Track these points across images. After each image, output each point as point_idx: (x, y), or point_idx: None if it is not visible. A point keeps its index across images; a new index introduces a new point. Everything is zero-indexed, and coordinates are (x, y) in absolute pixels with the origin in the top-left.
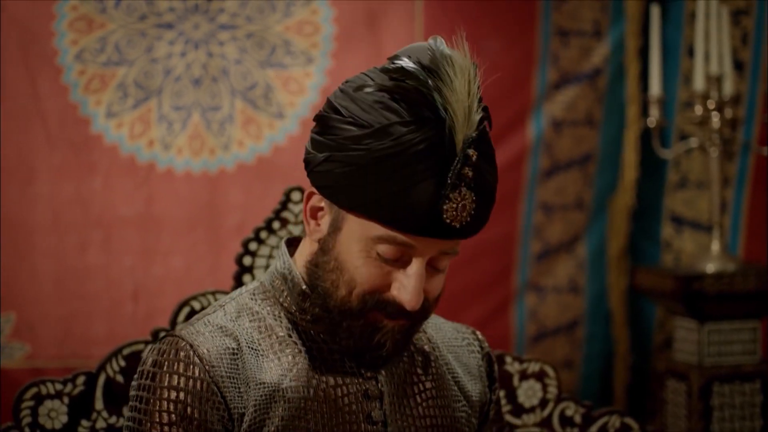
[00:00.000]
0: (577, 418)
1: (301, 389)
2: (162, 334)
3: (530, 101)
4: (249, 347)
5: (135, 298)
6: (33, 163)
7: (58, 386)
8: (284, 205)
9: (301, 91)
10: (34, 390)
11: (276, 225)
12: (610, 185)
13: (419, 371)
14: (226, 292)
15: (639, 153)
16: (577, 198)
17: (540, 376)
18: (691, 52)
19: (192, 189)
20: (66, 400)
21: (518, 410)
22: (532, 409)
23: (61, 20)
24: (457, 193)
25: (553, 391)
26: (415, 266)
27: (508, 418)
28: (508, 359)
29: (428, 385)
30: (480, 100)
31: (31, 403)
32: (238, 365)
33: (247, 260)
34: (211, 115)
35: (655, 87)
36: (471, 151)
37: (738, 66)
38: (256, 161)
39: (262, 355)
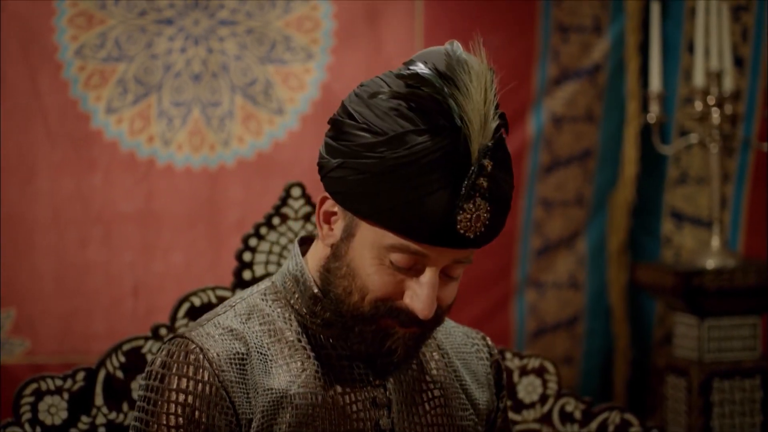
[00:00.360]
0: (577, 414)
1: (309, 396)
2: (171, 334)
3: (530, 97)
4: (258, 352)
5: (135, 294)
6: (33, 159)
7: (58, 382)
8: (284, 201)
9: (301, 87)
10: (34, 386)
11: (276, 221)
12: (610, 181)
13: (428, 378)
14: (227, 288)
15: (639, 149)
16: (577, 194)
17: (540, 372)
18: (691, 48)
19: (192, 185)
20: (66, 395)
21: (518, 406)
22: (532, 405)
23: (61, 16)
24: (472, 203)
25: (553, 386)
26: (429, 275)
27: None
28: (508, 355)
29: (436, 393)
30: (497, 107)
31: (31, 399)
32: (246, 370)
33: (247, 256)
34: (211, 111)
35: (655, 83)
36: (486, 162)
37: (738, 62)
38: (256, 157)
39: (270, 361)
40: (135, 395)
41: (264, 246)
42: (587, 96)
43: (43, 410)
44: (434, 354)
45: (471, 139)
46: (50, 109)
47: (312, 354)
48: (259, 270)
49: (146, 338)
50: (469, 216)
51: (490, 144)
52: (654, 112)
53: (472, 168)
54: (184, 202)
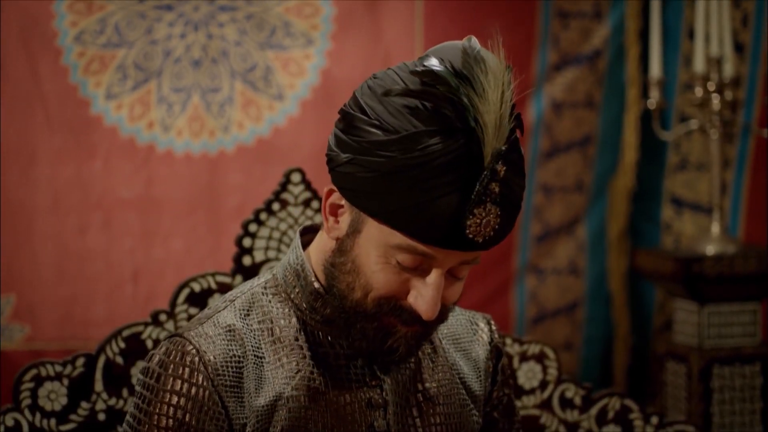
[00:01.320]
0: (577, 400)
1: (302, 398)
2: (171, 332)
3: (530, 83)
4: (254, 355)
5: (135, 280)
6: (33, 146)
7: (58, 368)
8: (284, 186)
9: (301, 73)
10: (33, 372)
11: (276, 206)
12: (610, 167)
13: (425, 378)
14: (226, 274)
15: (639, 135)
16: (577, 180)
17: (540, 358)
18: (691, 34)
19: (192, 171)
20: (66, 381)
21: (518, 392)
22: (532, 391)
23: (60, 2)
24: (482, 208)
25: (553, 372)
26: (434, 276)
27: None
28: (509, 341)
29: (433, 392)
30: (513, 107)
31: (30, 385)
32: (242, 374)
33: (246, 242)
34: (210, 96)
35: (656, 69)
36: (499, 166)
37: (738, 48)
38: (256, 143)
39: (266, 363)
40: (135, 381)
41: (264, 232)
42: (587, 82)
43: (43, 396)
44: (432, 352)
45: (485, 142)
46: (50, 95)
47: (308, 353)
48: (259, 256)
49: (146, 324)
50: (478, 221)
51: (504, 148)
52: (654, 98)
53: (485, 172)
54: (183, 188)
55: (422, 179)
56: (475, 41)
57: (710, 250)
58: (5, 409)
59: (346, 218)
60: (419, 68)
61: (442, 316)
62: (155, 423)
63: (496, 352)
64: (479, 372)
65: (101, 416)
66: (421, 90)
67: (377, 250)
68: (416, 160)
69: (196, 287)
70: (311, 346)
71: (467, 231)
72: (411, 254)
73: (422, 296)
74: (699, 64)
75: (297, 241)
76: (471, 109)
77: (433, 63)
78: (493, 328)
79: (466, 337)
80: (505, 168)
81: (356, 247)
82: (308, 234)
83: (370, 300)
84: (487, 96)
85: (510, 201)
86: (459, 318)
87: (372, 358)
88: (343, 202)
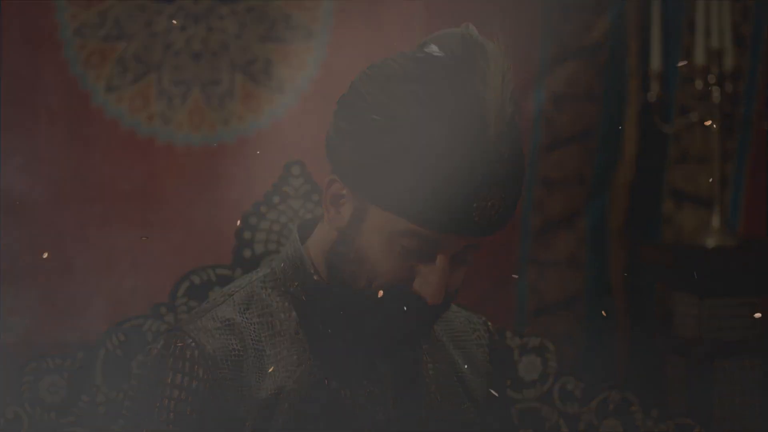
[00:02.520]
0: (578, 393)
1: (303, 392)
2: (170, 326)
3: (531, 76)
4: (254, 348)
5: (135, 273)
6: (33, 137)
7: (58, 361)
8: (284, 179)
9: (302, 66)
10: (33, 365)
11: (276, 199)
12: (610, 160)
13: (423, 372)
14: (226, 266)
15: (639, 128)
16: (578, 173)
17: (540, 351)
18: (691, 27)
19: (192, 163)
20: (66, 374)
21: (518, 384)
22: (532, 384)
23: None
24: (487, 191)
25: (553, 365)
26: (439, 261)
27: (509, 392)
28: (509, 334)
29: (433, 387)
30: (511, 92)
31: (31, 378)
32: (242, 367)
33: (247, 234)
34: (211, 89)
35: (656, 61)
36: (503, 149)
37: (739, 40)
38: (256, 136)
39: (267, 357)
40: (133, 375)
41: (264, 224)
42: (588, 75)
43: (44, 389)
44: (432, 346)
45: (487, 125)
46: (50, 87)
47: (309, 347)
48: (259, 248)
49: (146, 317)
50: (484, 204)
51: (505, 131)
52: (654, 90)
53: (489, 155)
54: (183, 181)
55: (425, 164)
56: (472, 28)
57: (710, 243)
58: (6, 402)
59: (348, 208)
60: (419, 55)
61: (446, 303)
62: (155, 417)
63: (496, 355)
64: (479, 373)
65: (101, 409)
66: (423, 75)
67: (381, 238)
68: (419, 146)
69: (197, 280)
70: (311, 339)
71: (473, 215)
72: (416, 239)
73: (427, 282)
74: (699, 57)
75: (295, 234)
76: (472, 94)
77: (433, 49)
78: (491, 329)
79: (465, 336)
80: (508, 150)
81: (360, 236)
82: (306, 228)
83: (374, 288)
84: (488, 80)
85: (513, 183)
86: (457, 315)
87: (375, 347)
88: (345, 191)
